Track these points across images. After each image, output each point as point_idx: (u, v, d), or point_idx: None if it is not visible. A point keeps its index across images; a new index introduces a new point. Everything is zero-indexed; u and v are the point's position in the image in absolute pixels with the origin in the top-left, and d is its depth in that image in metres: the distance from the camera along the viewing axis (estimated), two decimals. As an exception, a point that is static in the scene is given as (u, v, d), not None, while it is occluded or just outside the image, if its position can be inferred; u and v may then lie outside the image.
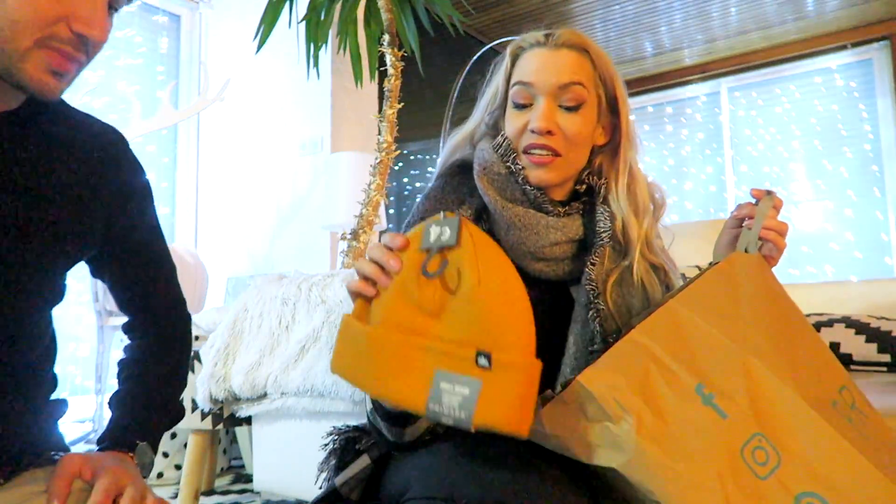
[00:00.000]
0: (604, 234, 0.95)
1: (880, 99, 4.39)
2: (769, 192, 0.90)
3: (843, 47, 4.49)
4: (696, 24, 4.36)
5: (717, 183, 4.89)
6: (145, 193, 0.92)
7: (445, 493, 0.72)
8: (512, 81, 0.98)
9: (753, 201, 0.92)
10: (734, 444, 0.67)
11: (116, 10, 0.75)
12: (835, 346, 2.18)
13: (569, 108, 0.94)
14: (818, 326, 2.27)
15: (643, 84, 5.23)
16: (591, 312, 0.93)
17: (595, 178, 1.00)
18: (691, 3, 4.08)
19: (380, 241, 0.75)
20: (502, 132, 0.98)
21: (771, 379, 0.71)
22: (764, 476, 0.67)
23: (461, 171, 1.03)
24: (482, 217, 1.00)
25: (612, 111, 1.00)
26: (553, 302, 0.98)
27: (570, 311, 0.97)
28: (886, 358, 2.09)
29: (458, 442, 0.80)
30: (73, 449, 0.85)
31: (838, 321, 2.24)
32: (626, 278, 0.96)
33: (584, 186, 1.00)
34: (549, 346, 0.85)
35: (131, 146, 0.90)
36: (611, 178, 0.99)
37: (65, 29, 0.68)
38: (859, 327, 2.19)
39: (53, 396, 0.86)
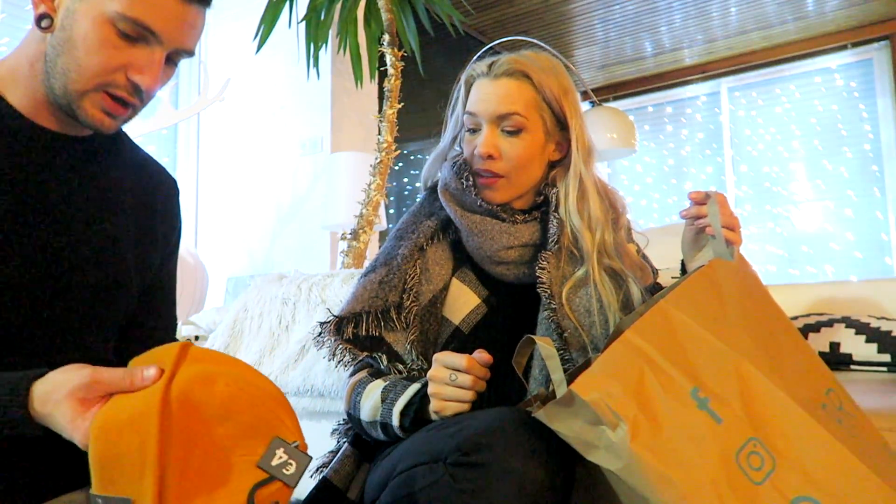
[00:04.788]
0: (550, 241, 1.03)
1: (880, 99, 4.39)
2: (708, 194, 0.93)
3: (843, 47, 4.48)
4: (696, 24, 4.36)
5: (718, 183, 4.89)
6: (177, 242, 0.99)
7: (429, 457, 0.76)
8: (465, 109, 1.07)
9: (690, 203, 0.96)
10: (729, 449, 0.67)
11: (176, 62, 0.81)
12: (835, 346, 2.18)
13: (510, 133, 1.02)
14: (818, 326, 2.27)
15: (643, 84, 5.23)
16: (546, 312, 1.01)
17: (550, 188, 1.07)
18: (691, 3, 4.08)
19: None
20: (460, 154, 1.09)
21: (763, 382, 0.71)
22: (759, 481, 0.66)
23: (434, 188, 1.13)
24: (449, 227, 1.10)
25: (562, 128, 1.06)
26: (523, 304, 1.05)
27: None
28: (886, 358, 2.08)
29: (432, 423, 0.86)
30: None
31: (838, 321, 2.24)
32: (585, 283, 1.02)
33: (543, 197, 1.08)
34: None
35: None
36: (562, 191, 1.05)
37: (122, 77, 0.75)
38: (859, 327, 2.19)
39: None
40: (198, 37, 0.80)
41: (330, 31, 2.65)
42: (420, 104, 2.91)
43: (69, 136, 0.81)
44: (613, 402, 0.67)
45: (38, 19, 0.75)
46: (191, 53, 0.80)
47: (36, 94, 0.77)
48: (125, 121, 0.80)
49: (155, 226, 0.92)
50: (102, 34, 0.72)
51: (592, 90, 4.51)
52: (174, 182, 0.98)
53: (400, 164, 4.90)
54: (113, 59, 0.73)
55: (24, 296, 0.75)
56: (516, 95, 1.02)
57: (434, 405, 0.85)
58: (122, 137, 0.91)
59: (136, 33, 0.73)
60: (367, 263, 1.13)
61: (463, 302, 1.05)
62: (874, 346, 2.12)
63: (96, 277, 0.81)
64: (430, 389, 0.86)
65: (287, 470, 0.63)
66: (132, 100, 0.77)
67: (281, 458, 0.63)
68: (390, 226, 3.71)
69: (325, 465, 1.08)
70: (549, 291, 1.01)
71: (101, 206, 0.83)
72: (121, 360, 0.94)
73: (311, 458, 0.64)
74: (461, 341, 1.02)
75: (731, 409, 0.69)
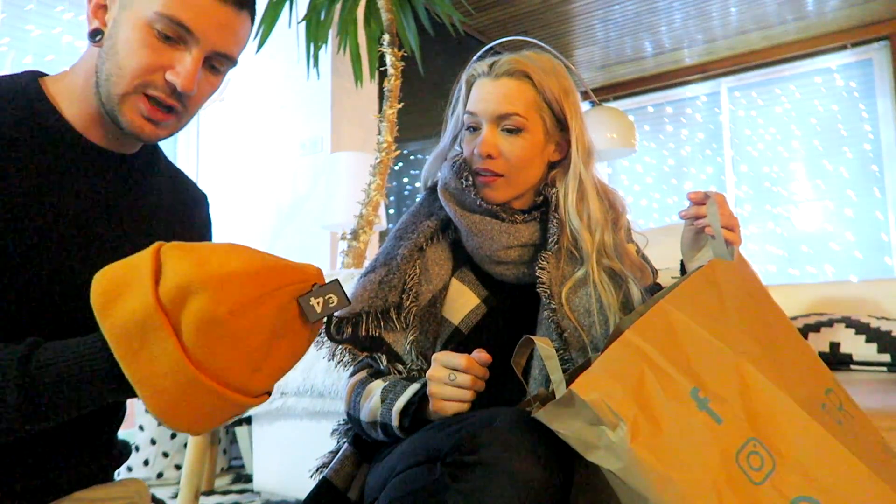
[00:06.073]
0: (550, 241, 1.04)
1: (880, 99, 4.38)
2: (707, 195, 0.93)
3: (843, 47, 4.48)
4: (696, 24, 4.36)
5: (717, 183, 4.89)
6: None
7: (427, 457, 0.78)
8: (466, 109, 1.07)
9: (689, 203, 0.96)
10: (729, 449, 0.67)
11: (219, 70, 0.82)
12: (835, 346, 2.18)
13: (510, 132, 1.02)
14: (818, 326, 2.27)
15: (643, 84, 5.22)
16: (546, 312, 1.01)
17: (550, 189, 1.07)
18: (691, 3, 4.07)
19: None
20: (460, 153, 1.08)
21: (763, 382, 0.71)
22: (759, 481, 0.66)
23: (434, 188, 1.13)
24: (449, 227, 1.10)
25: (562, 129, 1.06)
26: (523, 304, 1.05)
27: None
28: (886, 358, 2.09)
29: (431, 423, 0.86)
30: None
31: (838, 321, 2.24)
32: (584, 283, 1.02)
33: (542, 197, 1.08)
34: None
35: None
36: (561, 192, 1.05)
37: (160, 78, 0.77)
38: (859, 327, 2.19)
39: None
40: (238, 42, 0.81)
41: (330, 31, 2.65)
42: (420, 104, 2.91)
43: (115, 153, 0.84)
44: (613, 402, 0.67)
45: (92, 34, 0.78)
46: (232, 60, 0.81)
47: (89, 110, 0.80)
48: (169, 130, 0.81)
49: (192, 240, 0.94)
50: (141, 36, 0.75)
51: (592, 90, 4.51)
52: (205, 196, 1.01)
53: (400, 164, 4.91)
54: (150, 58, 0.76)
55: (61, 309, 0.76)
56: (516, 95, 1.02)
57: (433, 405, 0.86)
58: (158, 154, 0.93)
59: (173, 32, 0.75)
60: (366, 263, 1.13)
61: (462, 302, 1.05)
62: (874, 346, 2.12)
63: None
64: (429, 389, 0.86)
65: (331, 303, 0.62)
66: (170, 101, 0.78)
67: (318, 302, 0.61)
68: (390, 226, 3.71)
69: (325, 465, 1.08)
70: (548, 291, 1.01)
71: (138, 221, 0.86)
72: None
73: (336, 282, 0.63)
74: (460, 341, 1.02)
75: (731, 409, 0.69)
